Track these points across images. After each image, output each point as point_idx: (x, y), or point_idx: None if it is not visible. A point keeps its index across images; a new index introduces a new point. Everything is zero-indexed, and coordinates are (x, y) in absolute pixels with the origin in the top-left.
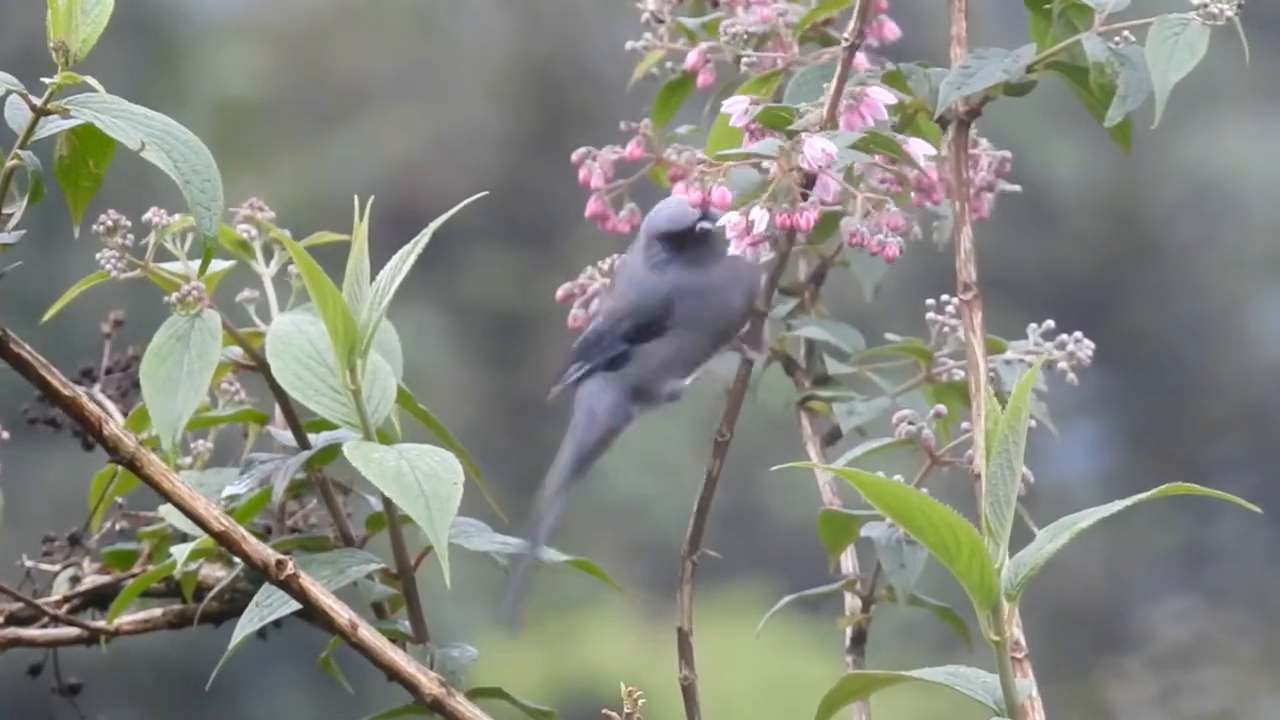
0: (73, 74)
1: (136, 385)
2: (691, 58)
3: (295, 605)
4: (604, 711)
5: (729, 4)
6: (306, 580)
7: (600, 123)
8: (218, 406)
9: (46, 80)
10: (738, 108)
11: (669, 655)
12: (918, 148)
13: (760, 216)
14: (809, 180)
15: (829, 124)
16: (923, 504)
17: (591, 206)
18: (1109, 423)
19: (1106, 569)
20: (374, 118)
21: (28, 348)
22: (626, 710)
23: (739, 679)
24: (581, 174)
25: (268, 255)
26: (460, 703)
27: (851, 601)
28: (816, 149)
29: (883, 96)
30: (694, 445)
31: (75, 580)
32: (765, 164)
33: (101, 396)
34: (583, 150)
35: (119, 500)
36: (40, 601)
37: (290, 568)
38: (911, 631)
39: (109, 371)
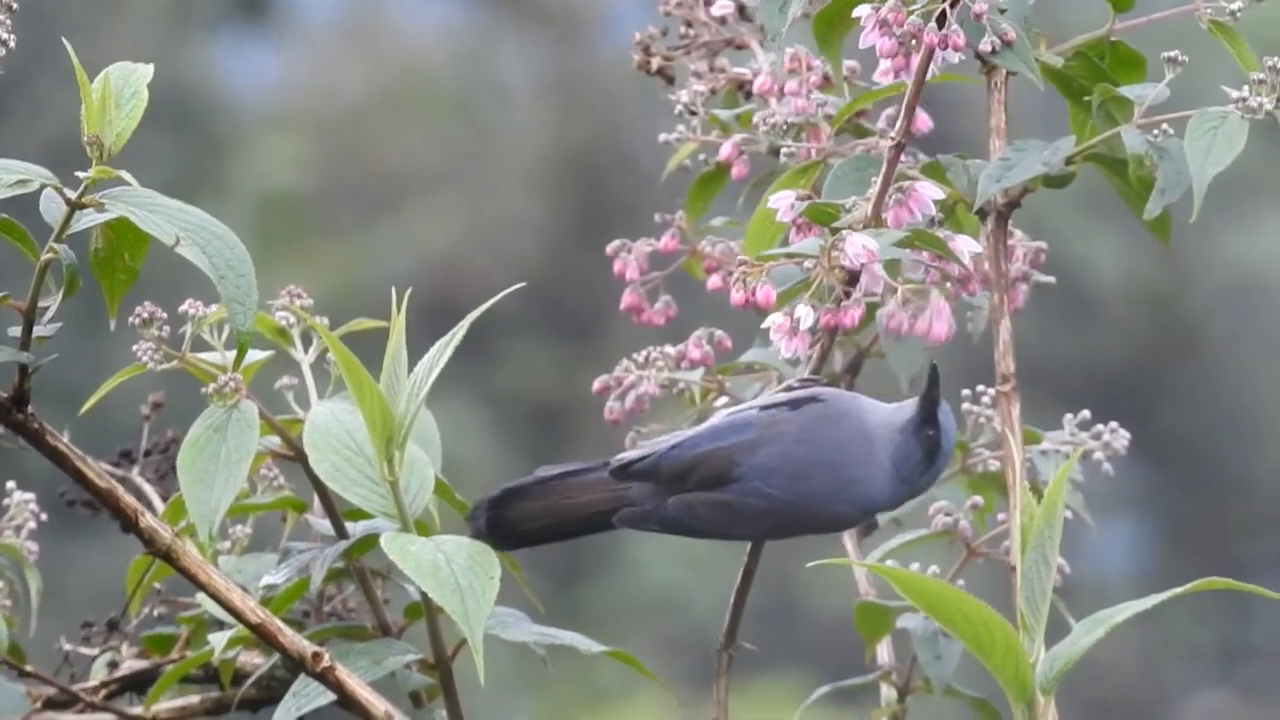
0: (107, 168)
1: (175, 468)
2: (725, 149)
3: (332, 696)
4: None
5: (763, 95)
6: (343, 672)
7: (641, 213)
8: (256, 493)
9: (81, 174)
10: (784, 203)
11: None
12: (964, 244)
13: (805, 314)
14: (851, 277)
15: (874, 219)
16: (957, 599)
17: (627, 299)
18: (1148, 518)
19: (1143, 663)
20: (414, 208)
21: (64, 440)
22: None
23: None
24: (616, 266)
25: (306, 342)
26: None
27: (887, 693)
28: (858, 246)
29: (931, 192)
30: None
31: (113, 665)
32: (807, 262)
33: (140, 479)
34: (617, 243)
35: (157, 585)
36: (77, 687)
37: (326, 660)
38: None
39: (148, 454)
